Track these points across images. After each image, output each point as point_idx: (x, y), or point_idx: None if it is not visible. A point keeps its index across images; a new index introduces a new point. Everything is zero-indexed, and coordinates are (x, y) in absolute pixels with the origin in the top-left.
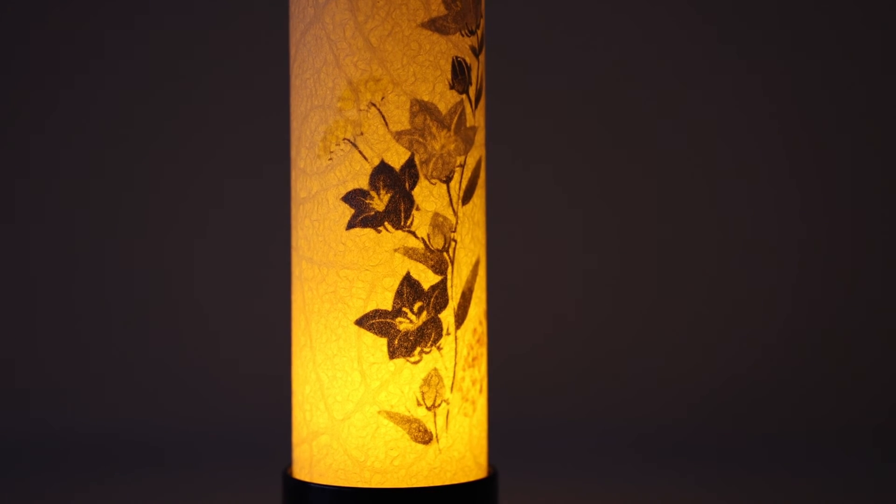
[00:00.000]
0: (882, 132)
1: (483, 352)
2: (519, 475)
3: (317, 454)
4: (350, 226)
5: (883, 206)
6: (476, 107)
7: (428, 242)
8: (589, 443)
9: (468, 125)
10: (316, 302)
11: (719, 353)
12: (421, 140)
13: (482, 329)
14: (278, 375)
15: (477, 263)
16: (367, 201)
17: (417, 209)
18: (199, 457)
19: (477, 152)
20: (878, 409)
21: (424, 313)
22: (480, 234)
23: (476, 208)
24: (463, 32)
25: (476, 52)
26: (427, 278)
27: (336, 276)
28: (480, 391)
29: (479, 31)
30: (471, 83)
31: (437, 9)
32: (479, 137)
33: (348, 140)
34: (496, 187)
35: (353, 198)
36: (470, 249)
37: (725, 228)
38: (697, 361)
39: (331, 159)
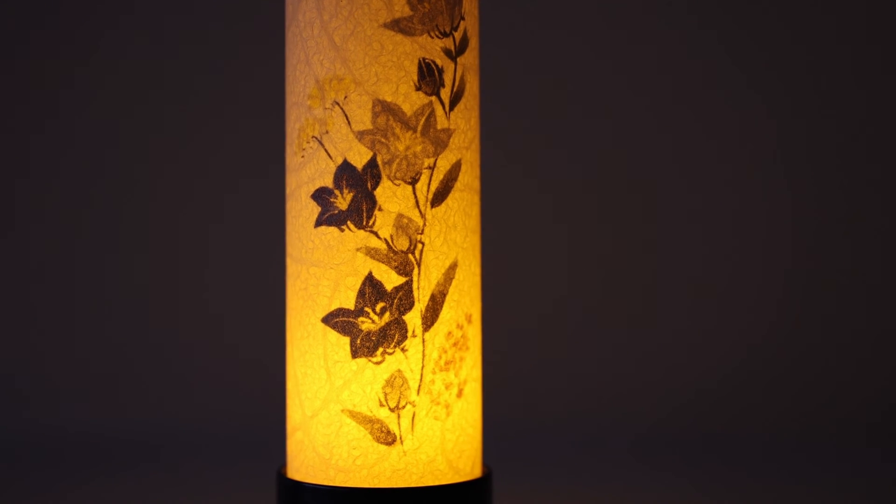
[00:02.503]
0: (878, 130)
1: (463, 356)
2: (516, 476)
3: (293, 450)
4: (318, 223)
5: (879, 203)
6: (451, 109)
7: (391, 243)
8: (587, 443)
9: (439, 127)
10: (293, 298)
11: (712, 353)
12: (384, 140)
13: (461, 333)
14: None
15: (453, 266)
16: (332, 200)
17: (380, 209)
18: (201, 452)
19: (453, 155)
20: (873, 408)
21: (387, 314)
22: (459, 237)
23: (452, 211)
24: (433, 34)
25: (452, 55)
26: (390, 279)
27: (307, 273)
28: (459, 395)
29: (456, 34)
30: (443, 85)
31: (402, 10)
32: (459, 140)
33: (316, 138)
34: (495, 189)
35: (320, 196)
36: (442, 252)
37: (717, 227)
38: (692, 361)
39: (303, 156)
